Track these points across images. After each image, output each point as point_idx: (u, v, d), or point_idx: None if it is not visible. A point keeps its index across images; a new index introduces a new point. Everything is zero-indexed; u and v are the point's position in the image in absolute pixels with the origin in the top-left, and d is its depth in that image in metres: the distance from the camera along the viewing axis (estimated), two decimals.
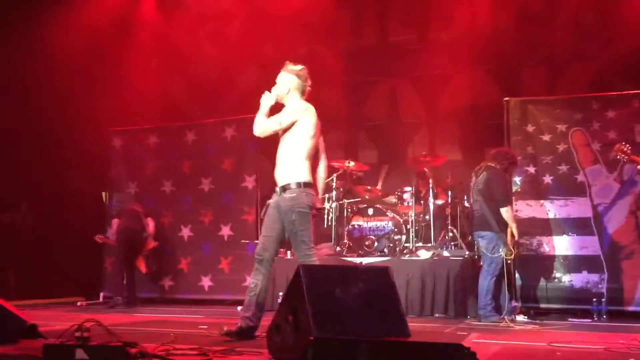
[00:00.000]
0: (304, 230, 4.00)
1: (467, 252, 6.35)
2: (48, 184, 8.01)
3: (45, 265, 7.75)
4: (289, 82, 4.21)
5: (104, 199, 7.99)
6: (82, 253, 7.84)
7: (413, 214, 6.74)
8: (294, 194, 3.98)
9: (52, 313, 6.10)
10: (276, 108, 4.22)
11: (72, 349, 2.68)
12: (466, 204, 6.66)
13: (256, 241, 7.10)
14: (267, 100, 4.16)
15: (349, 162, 7.18)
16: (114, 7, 8.36)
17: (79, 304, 7.40)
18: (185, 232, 7.69)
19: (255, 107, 7.73)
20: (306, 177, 4.02)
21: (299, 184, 4.00)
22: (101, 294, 7.84)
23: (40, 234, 7.93)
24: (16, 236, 8.02)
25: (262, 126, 4.10)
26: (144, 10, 8.76)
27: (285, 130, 4.08)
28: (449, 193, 6.88)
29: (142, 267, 7.39)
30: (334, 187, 7.12)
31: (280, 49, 8.36)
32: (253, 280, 4.11)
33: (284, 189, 4.00)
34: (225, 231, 7.41)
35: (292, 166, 4.03)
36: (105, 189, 8.13)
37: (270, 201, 4.17)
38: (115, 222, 7.32)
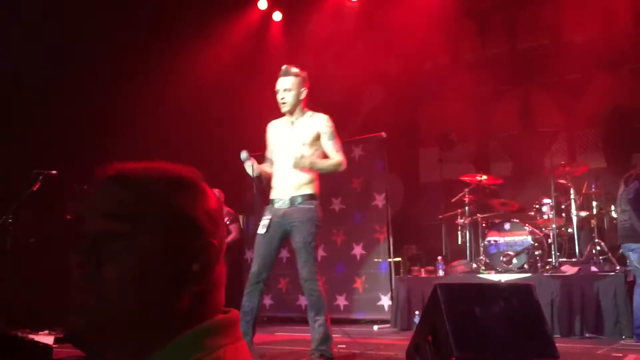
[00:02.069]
0: (315, 247, 3.83)
1: (618, 267, 5.87)
2: None
3: None
4: (301, 90, 4.04)
5: (240, 223, 8.34)
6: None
7: (554, 227, 6.35)
8: (311, 205, 3.85)
9: None
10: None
11: None
12: (614, 215, 6.18)
13: (389, 259, 7.09)
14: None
15: (481, 176, 6.95)
16: (243, 36, 8.81)
17: None
18: (319, 253, 7.81)
19: (380, 127, 7.71)
20: (317, 189, 3.93)
21: (314, 196, 3.88)
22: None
23: None
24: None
25: (344, 164, 4.01)
26: (272, 38, 9.15)
27: (304, 140, 3.96)
28: (594, 203, 6.42)
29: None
30: (466, 202, 6.93)
31: (404, 65, 8.34)
32: (248, 304, 3.84)
33: (302, 197, 3.85)
34: (358, 250, 7.43)
35: (309, 177, 3.91)
36: (241, 212, 8.48)
37: (267, 217, 3.93)
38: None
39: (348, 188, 7.62)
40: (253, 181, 3.98)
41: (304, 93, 4.04)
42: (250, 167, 3.93)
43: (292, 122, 4.08)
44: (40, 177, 5.29)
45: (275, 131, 4.14)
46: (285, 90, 4.00)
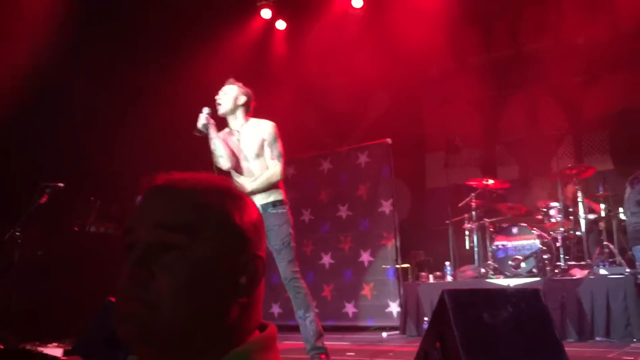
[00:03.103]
0: (292, 248, 3.90)
1: (627, 269, 5.83)
2: None
3: None
4: (238, 94, 4.11)
5: None
6: None
7: (562, 231, 6.32)
8: (284, 210, 3.94)
9: None
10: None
11: None
12: (622, 217, 6.14)
13: (396, 266, 7.07)
14: (201, 120, 4.03)
15: (487, 181, 6.93)
16: (246, 46, 8.84)
17: None
18: (326, 260, 7.80)
19: (385, 133, 7.68)
20: (285, 194, 4.03)
21: (283, 201, 3.98)
22: None
23: None
24: None
25: (279, 172, 4.05)
26: (276, 47, 9.19)
27: (253, 151, 4.03)
28: (602, 206, 6.39)
29: None
30: (473, 206, 6.91)
31: (409, 71, 8.34)
32: None
33: (273, 204, 3.93)
34: (365, 257, 7.42)
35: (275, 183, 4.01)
36: None
37: None
38: None
39: (354, 195, 7.61)
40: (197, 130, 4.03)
41: (242, 99, 4.10)
42: (204, 119, 4.01)
43: (238, 132, 4.13)
44: (47, 190, 5.32)
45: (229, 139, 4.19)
46: (223, 93, 4.11)
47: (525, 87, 8.27)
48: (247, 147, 4.06)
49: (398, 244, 7.10)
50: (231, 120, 4.14)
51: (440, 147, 8.51)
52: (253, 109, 4.20)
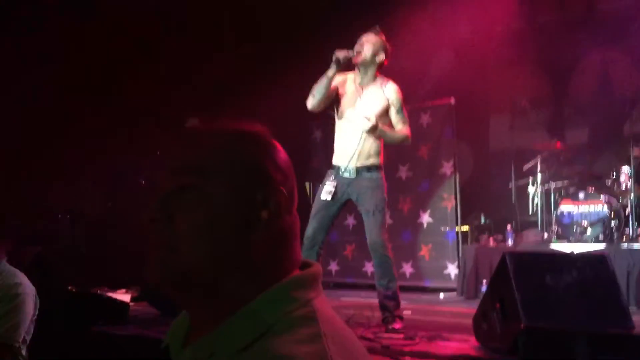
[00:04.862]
0: (384, 215, 3.78)
1: None
2: None
3: None
4: (379, 50, 3.91)
5: (307, 190, 8.38)
6: None
7: (633, 197, 6.07)
8: (379, 175, 3.84)
9: None
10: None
11: None
12: None
13: (456, 228, 6.99)
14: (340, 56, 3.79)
15: (555, 143, 6.71)
16: None
17: None
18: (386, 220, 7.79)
19: (449, 92, 7.51)
20: (382, 160, 3.92)
21: (381, 167, 3.87)
22: None
23: None
24: None
25: (408, 137, 4.00)
26: None
27: (373, 111, 3.85)
28: None
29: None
30: (539, 170, 6.72)
31: (474, 30, 8.06)
32: None
33: (368, 169, 3.81)
34: (424, 218, 7.36)
35: (379, 147, 3.87)
36: (308, 179, 8.51)
37: (332, 183, 3.83)
38: None
39: (415, 155, 7.52)
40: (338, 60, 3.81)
41: (381, 57, 3.93)
42: (343, 55, 3.83)
43: (362, 86, 3.96)
44: None
45: (347, 91, 4.00)
46: (367, 42, 3.90)
47: (597, 47, 7.85)
48: (370, 108, 3.88)
49: (459, 206, 7.01)
50: (361, 73, 3.97)
51: (506, 109, 8.24)
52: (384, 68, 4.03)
